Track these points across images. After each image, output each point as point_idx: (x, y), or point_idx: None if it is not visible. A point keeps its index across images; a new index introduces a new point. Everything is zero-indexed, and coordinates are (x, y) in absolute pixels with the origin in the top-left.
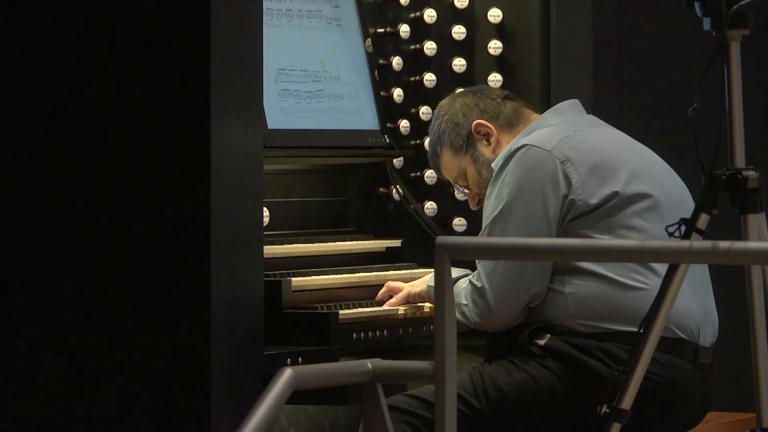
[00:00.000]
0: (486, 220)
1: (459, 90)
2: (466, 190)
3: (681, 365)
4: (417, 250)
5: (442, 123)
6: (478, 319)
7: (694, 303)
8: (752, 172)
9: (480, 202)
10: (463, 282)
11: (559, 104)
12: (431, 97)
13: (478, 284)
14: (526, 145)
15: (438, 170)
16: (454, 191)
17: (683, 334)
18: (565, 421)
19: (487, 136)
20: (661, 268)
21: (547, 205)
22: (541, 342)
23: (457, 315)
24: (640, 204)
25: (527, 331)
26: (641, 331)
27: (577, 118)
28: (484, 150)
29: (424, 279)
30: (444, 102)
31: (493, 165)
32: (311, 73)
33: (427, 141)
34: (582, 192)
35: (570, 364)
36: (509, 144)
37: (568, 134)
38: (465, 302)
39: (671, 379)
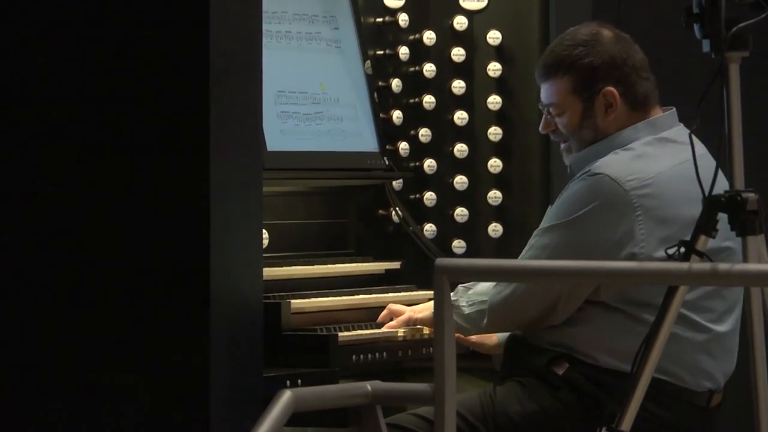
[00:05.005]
0: (545, 221)
1: (611, 30)
2: (548, 116)
3: (693, 412)
4: (416, 272)
5: (585, 57)
6: (495, 307)
7: (723, 362)
8: (752, 194)
9: (552, 132)
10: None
11: (657, 117)
12: (430, 119)
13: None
14: (604, 175)
15: (543, 80)
16: (453, 213)
17: (703, 389)
18: None
19: (609, 106)
20: (702, 319)
21: (597, 246)
22: (559, 371)
23: (470, 314)
24: (720, 256)
25: (546, 357)
26: (641, 351)
27: (669, 140)
28: (600, 114)
29: (428, 305)
30: (597, 33)
31: (573, 162)
32: (311, 95)
33: (426, 163)
34: (645, 246)
35: (585, 398)
36: (592, 152)
37: (650, 177)
38: (485, 293)
39: (681, 425)
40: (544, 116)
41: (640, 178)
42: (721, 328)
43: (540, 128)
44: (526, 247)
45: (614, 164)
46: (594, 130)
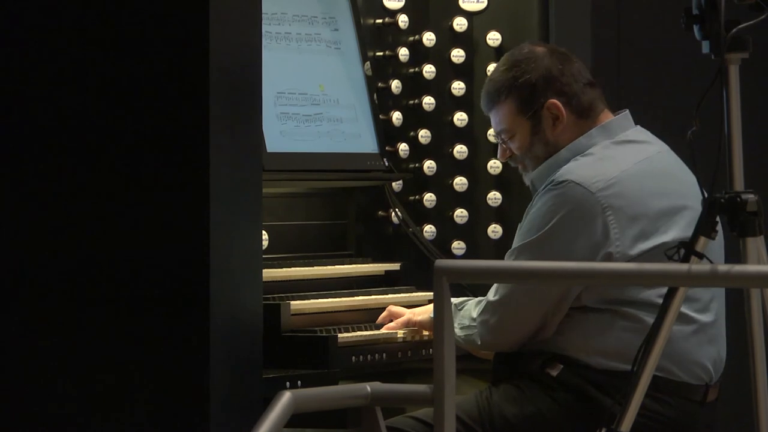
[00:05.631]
0: (517, 240)
1: (544, 46)
2: (503, 144)
3: (690, 407)
4: (416, 273)
5: (521, 77)
6: (489, 335)
7: (712, 351)
8: (751, 196)
9: (509, 158)
10: (471, 303)
11: (609, 121)
12: (430, 121)
13: (493, 298)
14: (569, 181)
15: (488, 109)
16: (453, 214)
17: (696, 381)
18: None
19: (555, 119)
20: (695, 314)
21: (573, 254)
22: (554, 372)
23: (462, 337)
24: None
25: (540, 360)
26: (641, 352)
27: (627, 141)
28: (548, 128)
29: (427, 309)
30: (530, 51)
31: (533, 178)
32: (310, 97)
33: (425, 164)
34: (620, 244)
35: (581, 398)
36: (553, 162)
37: (614, 176)
38: (474, 318)
39: (680, 420)
40: (499, 145)
41: (605, 179)
42: (706, 318)
43: (498, 157)
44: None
45: (577, 170)
46: (545, 144)
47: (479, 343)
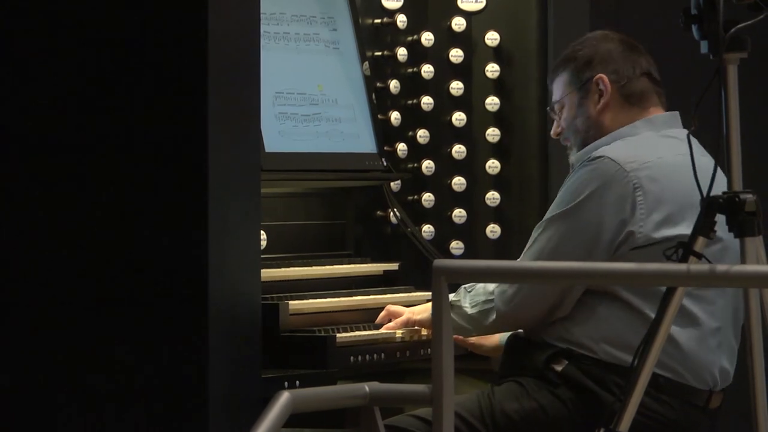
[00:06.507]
0: (547, 214)
1: (618, 33)
2: (553, 115)
3: (692, 411)
4: (414, 273)
5: (582, 50)
6: (506, 307)
7: (721, 358)
8: (750, 196)
9: (559, 134)
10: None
11: (657, 115)
12: (429, 121)
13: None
14: (605, 157)
15: (550, 81)
16: (451, 214)
17: (701, 386)
18: None
19: (600, 94)
20: (702, 314)
21: (602, 226)
22: (558, 368)
23: (475, 314)
24: (709, 249)
25: (545, 355)
26: (638, 353)
27: (670, 136)
28: (591, 104)
29: (426, 307)
30: (597, 34)
31: (574, 160)
32: (309, 96)
33: (424, 164)
34: (644, 226)
35: (583, 395)
36: (593, 146)
37: (650, 160)
38: (491, 292)
39: (680, 423)
40: (554, 120)
41: (640, 160)
42: (715, 323)
43: (551, 133)
44: (531, 240)
45: (615, 149)
46: (587, 119)
47: (494, 317)
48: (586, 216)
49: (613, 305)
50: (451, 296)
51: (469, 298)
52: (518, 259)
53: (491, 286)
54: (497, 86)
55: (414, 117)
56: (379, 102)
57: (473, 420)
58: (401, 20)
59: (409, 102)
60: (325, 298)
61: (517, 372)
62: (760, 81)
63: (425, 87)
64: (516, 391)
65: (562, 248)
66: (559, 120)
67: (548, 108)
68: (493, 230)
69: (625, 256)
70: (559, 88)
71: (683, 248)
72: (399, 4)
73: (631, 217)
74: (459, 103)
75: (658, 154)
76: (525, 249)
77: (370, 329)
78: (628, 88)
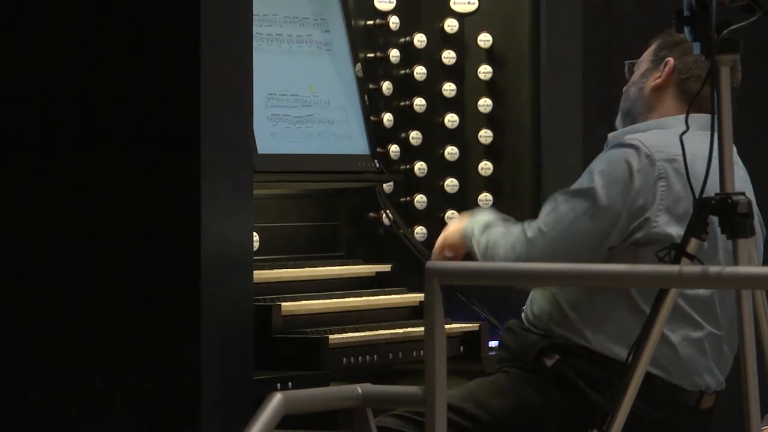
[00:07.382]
0: (574, 185)
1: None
2: (628, 74)
3: (681, 410)
4: (407, 274)
5: (676, 36)
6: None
7: (717, 365)
8: (742, 197)
9: (626, 90)
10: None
11: (702, 116)
12: (421, 122)
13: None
14: (637, 142)
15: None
16: (444, 216)
17: (691, 387)
18: None
19: (660, 73)
20: (703, 320)
21: (623, 210)
22: (549, 362)
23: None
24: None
25: (539, 347)
26: (630, 357)
27: (707, 135)
28: (651, 79)
29: (458, 226)
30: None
31: (610, 137)
32: (301, 98)
33: (416, 165)
34: (660, 216)
35: (571, 392)
36: (630, 129)
37: (679, 154)
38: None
39: (668, 422)
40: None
41: (670, 152)
42: (715, 329)
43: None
44: (550, 206)
45: (648, 137)
46: (640, 89)
47: (529, 235)
48: (609, 198)
49: (621, 304)
50: (475, 230)
51: (493, 234)
52: (537, 220)
53: (519, 251)
54: (490, 88)
55: (406, 118)
56: (371, 103)
57: (456, 417)
58: (394, 22)
59: (402, 103)
60: (318, 299)
61: (509, 360)
62: (761, 81)
63: (418, 88)
64: (501, 385)
65: (579, 223)
66: (629, 80)
67: (627, 62)
68: None
69: (639, 255)
70: (645, 53)
71: (675, 250)
72: (391, 6)
73: (651, 205)
74: (451, 104)
75: (690, 150)
76: (545, 211)
77: (362, 331)
78: (687, 84)
